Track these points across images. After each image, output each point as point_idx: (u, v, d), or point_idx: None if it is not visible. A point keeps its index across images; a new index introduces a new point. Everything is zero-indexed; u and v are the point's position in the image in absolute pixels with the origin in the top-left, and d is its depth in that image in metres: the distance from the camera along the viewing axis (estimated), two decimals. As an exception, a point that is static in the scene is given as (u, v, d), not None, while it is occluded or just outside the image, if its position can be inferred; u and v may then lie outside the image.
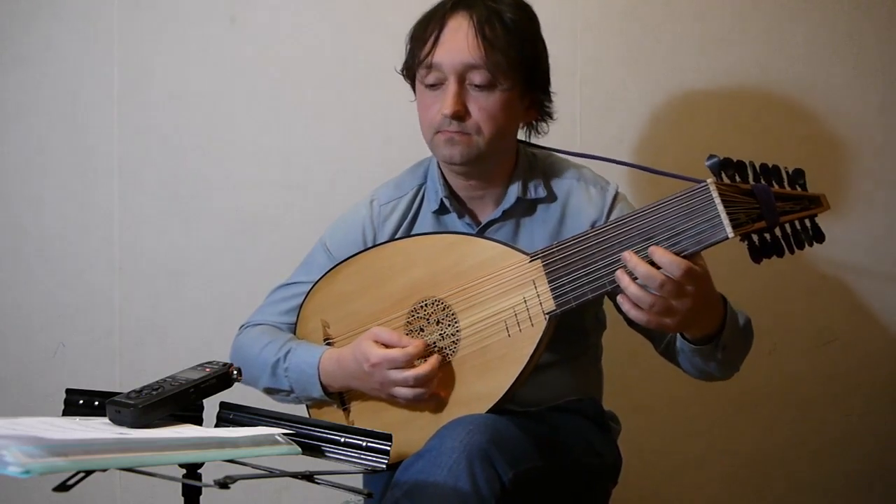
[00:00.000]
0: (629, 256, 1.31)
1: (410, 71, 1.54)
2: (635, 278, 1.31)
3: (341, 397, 1.54)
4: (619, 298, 1.33)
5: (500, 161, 1.55)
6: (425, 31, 1.50)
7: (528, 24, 1.51)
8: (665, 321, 1.31)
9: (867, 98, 2.09)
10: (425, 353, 1.43)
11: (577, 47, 2.03)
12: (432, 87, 1.49)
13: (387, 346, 1.44)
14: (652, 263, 1.30)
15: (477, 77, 1.46)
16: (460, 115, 1.46)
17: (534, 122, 1.60)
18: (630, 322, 1.56)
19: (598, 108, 2.04)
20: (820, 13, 2.08)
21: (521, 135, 1.61)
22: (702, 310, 1.34)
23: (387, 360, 1.42)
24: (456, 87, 1.46)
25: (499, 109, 1.48)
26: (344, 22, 2.03)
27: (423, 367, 1.41)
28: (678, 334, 1.43)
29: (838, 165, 2.09)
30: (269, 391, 1.58)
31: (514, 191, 1.55)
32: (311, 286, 1.59)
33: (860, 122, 2.09)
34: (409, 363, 1.42)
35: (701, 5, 2.06)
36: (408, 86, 1.58)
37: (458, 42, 1.46)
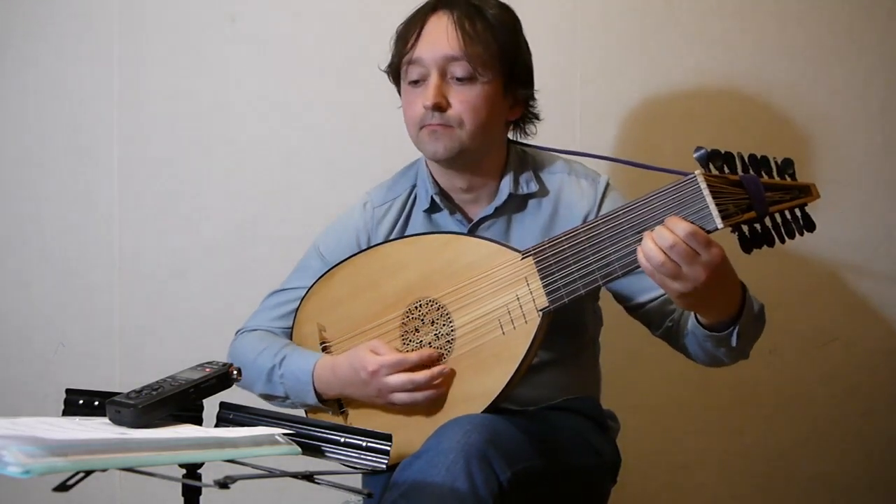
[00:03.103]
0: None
1: (395, 70, 1.56)
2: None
3: (338, 402, 1.54)
4: (638, 248, 1.30)
5: (488, 156, 1.55)
6: (408, 30, 1.52)
7: (509, 21, 1.53)
8: (672, 285, 1.27)
9: (867, 98, 2.09)
10: (427, 363, 1.44)
11: (577, 47, 2.03)
12: (415, 83, 1.51)
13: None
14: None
15: (458, 69, 1.48)
16: (441, 106, 1.47)
17: (521, 123, 1.60)
18: (629, 308, 1.55)
19: (598, 109, 2.03)
20: (820, 13, 2.08)
21: (511, 135, 1.61)
22: (717, 289, 1.29)
23: (384, 365, 1.43)
24: (437, 79, 1.48)
25: (480, 102, 1.49)
26: (344, 22, 2.03)
27: (422, 373, 1.42)
28: (692, 318, 1.41)
29: (838, 166, 2.09)
30: (265, 397, 1.58)
31: (506, 187, 1.55)
32: (305, 291, 1.59)
33: (860, 122, 2.09)
34: (406, 368, 1.43)
35: (701, 5, 2.06)
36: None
37: (439, 36, 1.48)
